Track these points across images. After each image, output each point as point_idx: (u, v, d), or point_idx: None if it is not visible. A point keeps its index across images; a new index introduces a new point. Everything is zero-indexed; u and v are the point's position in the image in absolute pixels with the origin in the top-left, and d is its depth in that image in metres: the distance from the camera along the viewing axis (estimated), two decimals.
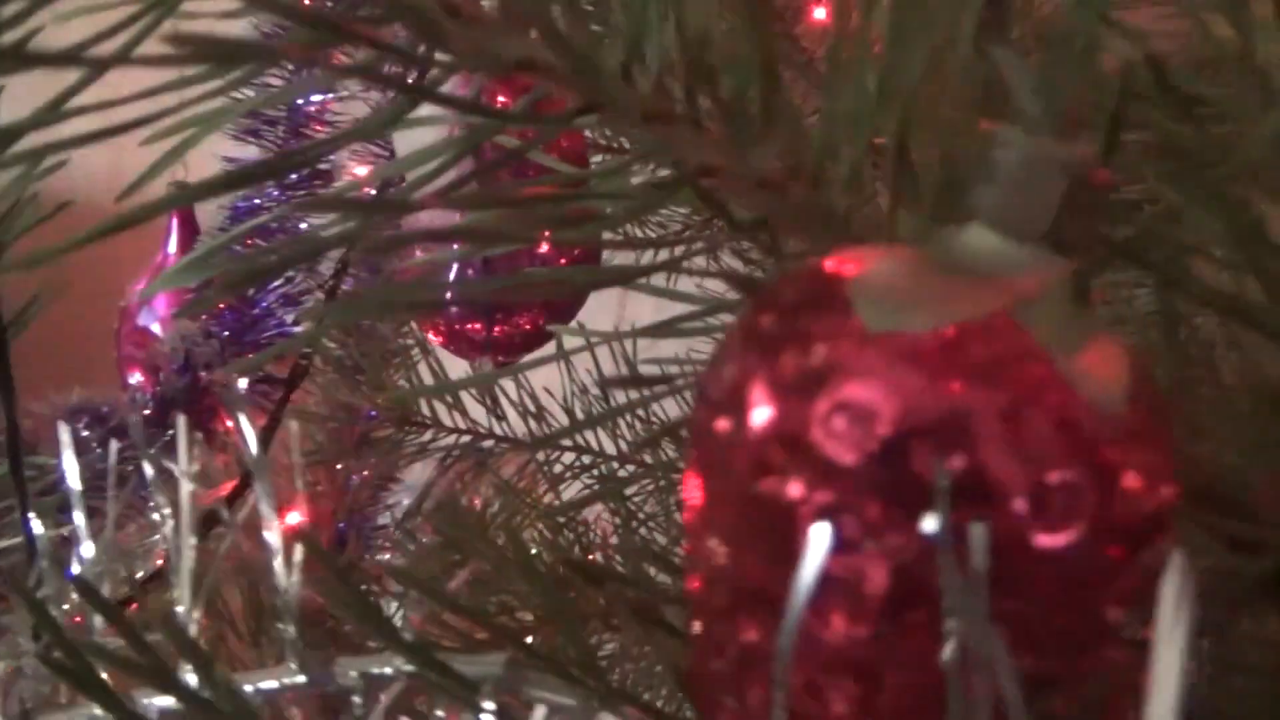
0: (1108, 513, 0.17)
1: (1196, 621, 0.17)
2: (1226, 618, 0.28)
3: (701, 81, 0.24)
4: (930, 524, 0.16)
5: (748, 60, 0.23)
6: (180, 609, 0.25)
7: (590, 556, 0.59)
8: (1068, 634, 0.18)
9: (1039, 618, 0.18)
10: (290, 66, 0.63)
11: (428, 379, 0.72)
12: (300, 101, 0.73)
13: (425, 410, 0.72)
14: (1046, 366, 0.18)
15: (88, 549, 0.35)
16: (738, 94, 0.24)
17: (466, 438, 0.70)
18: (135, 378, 0.76)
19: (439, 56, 0.24)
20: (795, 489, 0.18)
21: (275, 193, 0.71)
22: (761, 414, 0.18)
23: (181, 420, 0.28)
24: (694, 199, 0.28)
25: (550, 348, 0.59)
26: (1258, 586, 0.29)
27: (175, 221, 0.88)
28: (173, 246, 0.87)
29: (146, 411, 0.71)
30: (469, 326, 0.49)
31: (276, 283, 0.72)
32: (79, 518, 0.36)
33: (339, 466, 0.76)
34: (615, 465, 0.64)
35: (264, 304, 0.72)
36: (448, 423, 0.71)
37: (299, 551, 0.24)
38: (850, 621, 0.18)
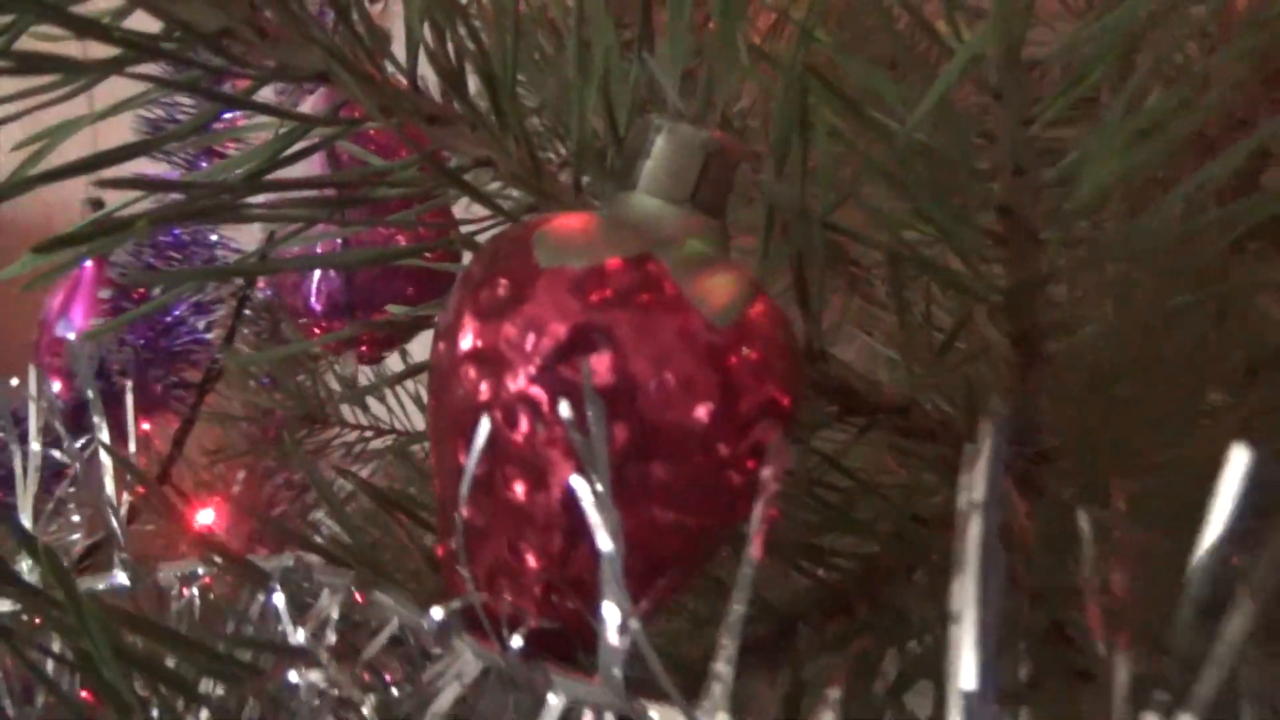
0: (720, 403, 0.23)
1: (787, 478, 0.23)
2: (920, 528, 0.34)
3: (455, 89, 0.30)
4: (564, 410, 0.22)
5: (493, 68, 0.28)
6: (23, 517, 0.30)
7: None
8: (694, 497, 0.23)
9: (672, 484, 0.23)
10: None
11: (333, 384, 0.76)
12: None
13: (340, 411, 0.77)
14: (675, 292, 0.23)
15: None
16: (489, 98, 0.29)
17: (369, 433, 0.75)
18: (54, 385, 0.80)
19: (243, 70, 0.30)
20: (486, 392, 0.23)
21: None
22: (464, 335, 0.24)
23: None
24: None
25: None
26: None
27: None
28: (88, 259, 0.91)
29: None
30: (334, 324, 0.53)
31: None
32: None
33: (257, 465, 0.81)
34: None
35: (176, 311, 0.77)
36: (350, 420, 0.76)
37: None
38: (532, 491, 0.23)
